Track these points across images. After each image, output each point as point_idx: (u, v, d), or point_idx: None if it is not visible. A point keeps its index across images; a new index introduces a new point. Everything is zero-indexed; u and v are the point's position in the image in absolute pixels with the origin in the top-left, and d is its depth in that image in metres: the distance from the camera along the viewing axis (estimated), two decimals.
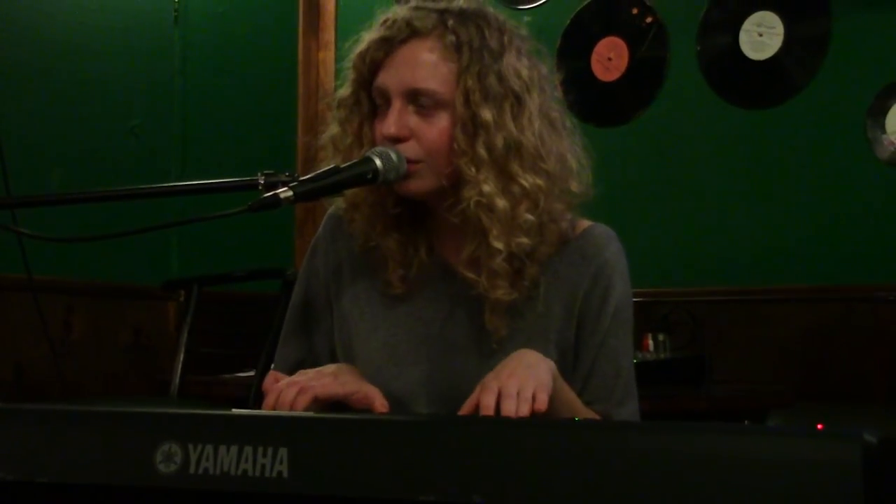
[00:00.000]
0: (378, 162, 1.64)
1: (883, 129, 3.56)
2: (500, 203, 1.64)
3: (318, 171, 1.63)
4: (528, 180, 1.65)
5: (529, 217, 1.65)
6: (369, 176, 1.64)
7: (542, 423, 1.18)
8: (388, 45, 1.69)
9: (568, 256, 1.74)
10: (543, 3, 4.15)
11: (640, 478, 1.03)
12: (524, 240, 1.65)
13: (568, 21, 4.07)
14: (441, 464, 1.09)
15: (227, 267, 3.76)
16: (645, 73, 3.98)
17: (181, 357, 3.43)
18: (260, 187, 1.66)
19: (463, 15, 1.70)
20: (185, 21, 4.04)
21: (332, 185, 1.63)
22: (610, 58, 4.02)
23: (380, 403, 1.62)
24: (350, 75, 1.74)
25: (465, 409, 1.52)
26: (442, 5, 1.72)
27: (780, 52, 3.75)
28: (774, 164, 3.75)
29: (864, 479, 0.96)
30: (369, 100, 1.72)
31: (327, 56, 4.66)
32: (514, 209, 1.64)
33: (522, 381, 1.50)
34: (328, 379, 1.63)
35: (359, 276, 1.82)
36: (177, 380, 3.41)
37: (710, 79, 3.86)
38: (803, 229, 3.69)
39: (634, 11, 4.00)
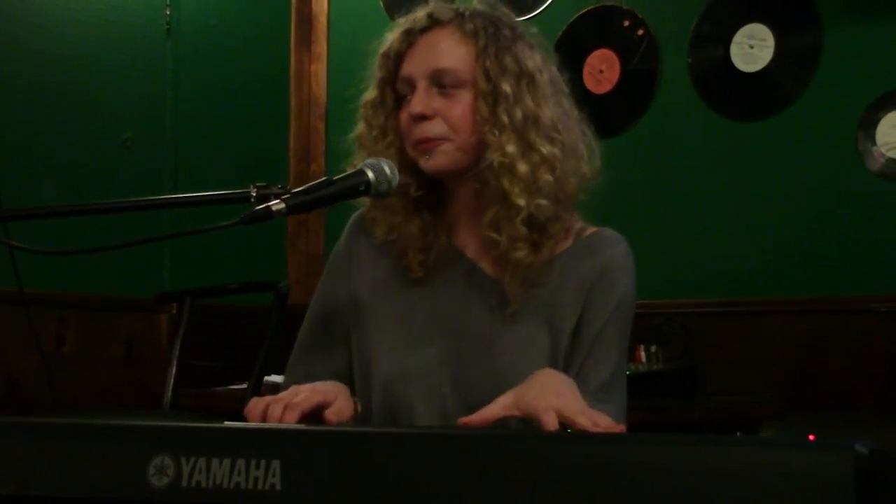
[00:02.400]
0: (370, 174, 1.65)
1: (874, 142, 3.57)
2: (522, 166, 1.73)
3: (311, 184, 1.64)
4: (545, 148, 1.76)
5: (548, 178, 1.75)
6: (362, 188, 1.65)
7: (535, 436, 1.18)
8: (410, 37, 1.81)
9: (579, 251, 1.83)
10: (534, 15, 4.15)
11: (632, 490, 1.03)
12: (543, 202, 1.75)
13: (559, 33, 4.08)
14: (434, 477, 1.09)
15: (220, 279, 3.75)
16: (636, 86, 3.99)
17: (173, 369, 3.42)
18: (252, 200, 1.67)
19: (476, 12, 1.83)
20: (177, 34, 4.04)
21: (324, 197, 1.63)
22: (602, 70, 4.03)
23: (334, 415, 1.65)
24: (376, 75, 1.85)
25: (483, 418, 1.53)
26: (457, 6, 1.85)
27: (771, 65, 3.76)
28: (766, 176, 3.76)
29: (855, 490, 0.96)
30: (393, 96, 1.83)
31: (319, 68, 4.67)
32: (534, 173, 1.74)
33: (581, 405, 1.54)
34: (307, 392, 1.66)
35: (379, 266, 1.89)
36: (169, 392, 3.40)
37: (702, 91, 3.87)
38: (795, 241, 3.69)
39: (626, 24, 4.01)
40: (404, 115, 1.79)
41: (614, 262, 1.82)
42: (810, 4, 3.70)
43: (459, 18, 1.80)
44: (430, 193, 1.84)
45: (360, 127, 1.87)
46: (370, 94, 1.85)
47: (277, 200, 1.57)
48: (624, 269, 1.83)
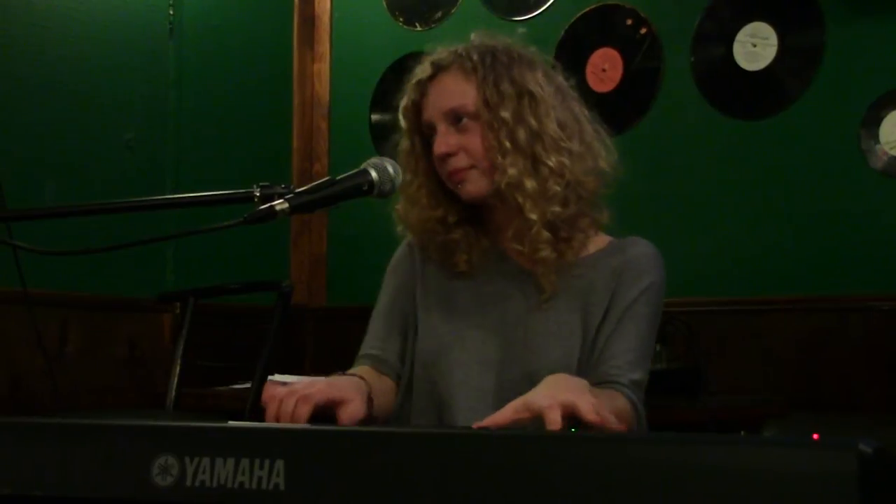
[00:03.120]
0: (374, 174, 1.65)
1: (877, 140, 3.57)
2: (529, 183, 1.91)
3: (314, 183, 1.65)
4: (552, 160, 1.92)
5: (557, 188, 1.92)
6: (365, 188, 1.66)
7: (535, 436, 1.18)
8: (422, 87, 2.00)
9: (612, 250, 2.01)
10: (538, 14, 4.16)
11: (635, 490, 1.03)
12: (557, 208, 1.92)
13: (562, 32, 4.08)
14: (439, 477, 1.09)
15: (223, 279, 3.76)
16: (639, 85, 3.98)
17: (177, 369, 3.42)
18: (255, 199, 1.66)
19: (474, 46, 2.01)
20: (179, 34, 4.04)
21: (327, 196, 1.64)
22: (604, 69, 4.03)
23: (347, 417, 1.70)
24: (403, 126, 2.05)
25: (496, 421, 1.53)
26: (455, 47, 2.02)
27: (774, 63, 3.76)
28: (769, 175, 3.76)
29: (859, 488, 0.96)
30: (422, 141, 2.03)
31: (322, 68, 4.67)
32: (542, 185, 1.91)
33: (591, 398, 1.54)
34: (322, 385, 1.69)
35: (430, 273, 2.08)
36: (172, 392, 3.40)
37: (704, 90, 3.87)
38: (797, 239, 3.69)
39: (629, 22, 4.01)
40: (434, 155, 1.98)
41: (644, 257, 1.99)
42: (813, 2, 3.69)
43: (459, 59, 1.98)
44: (468, 213, 2.04)
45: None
46: (403, 143, 2.06)
47: (281, 200, 1.58)
48: (653, 263, 2.00)
